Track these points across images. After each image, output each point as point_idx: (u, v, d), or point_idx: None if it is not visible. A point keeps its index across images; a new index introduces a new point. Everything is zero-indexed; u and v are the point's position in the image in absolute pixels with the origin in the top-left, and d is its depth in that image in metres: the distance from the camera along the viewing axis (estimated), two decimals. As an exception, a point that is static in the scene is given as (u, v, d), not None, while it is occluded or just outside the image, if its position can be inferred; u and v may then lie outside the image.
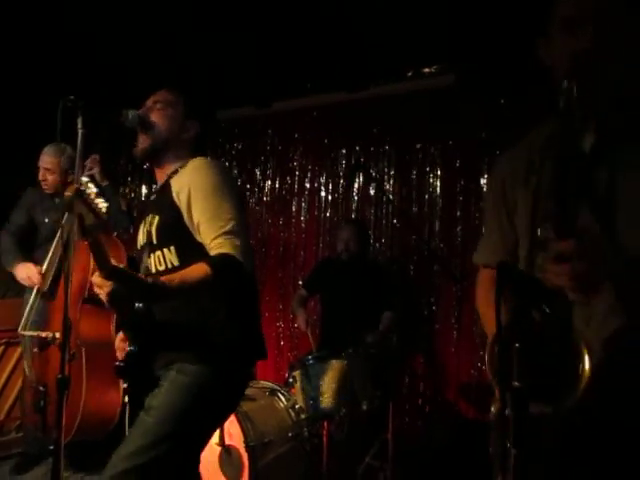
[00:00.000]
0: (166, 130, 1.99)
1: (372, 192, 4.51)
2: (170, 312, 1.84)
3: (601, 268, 1.18)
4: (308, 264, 4.64)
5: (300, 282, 4.50)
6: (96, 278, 1.59)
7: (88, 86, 3.63)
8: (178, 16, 3.76)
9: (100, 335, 3.14)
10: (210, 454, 2.90)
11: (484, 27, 3.51)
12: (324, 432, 3.12)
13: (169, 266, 1.88)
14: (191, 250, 1.82)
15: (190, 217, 1.83)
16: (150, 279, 1.67)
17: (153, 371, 1.87)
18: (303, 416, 3.12)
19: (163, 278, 1.70)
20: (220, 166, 1.96)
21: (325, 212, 4.72)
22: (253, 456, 2.87)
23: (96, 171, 3.28)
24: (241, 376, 1.96)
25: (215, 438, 2.89)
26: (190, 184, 1.85)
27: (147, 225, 1.96)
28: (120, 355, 1.89)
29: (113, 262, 1.57)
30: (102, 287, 1.59)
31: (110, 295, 1.59)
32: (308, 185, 4.81)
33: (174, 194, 1.87)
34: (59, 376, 1.77)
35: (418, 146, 4.30)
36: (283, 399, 3.22)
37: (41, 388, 3.03)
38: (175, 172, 1.97)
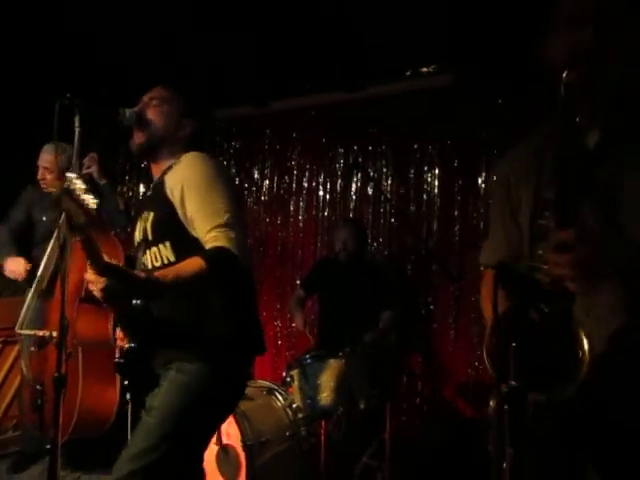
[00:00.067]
0: (162, 127, 1.98)
1: (370, 191, 4.51)
2: (168, 308, 1.83)
3: (601, 257, 1.19)
4: (306, 263, 4.64)
5: (298, 282, 4.50)
6: (89, 275, 1.59)
7: (87, 85, 3.63)
8: (176, 15, 3.76)
9: (97, 334, 3.13)
10: (207, 453, 2.87)
11: (482, 27, 3.51)
12: (321, 431, 3.13)
13: (165, 262, 1.87)
14: (187, 245, 1.81)
15: (184, 212, 1.82)
16: (144, 274, 1.67)
17: (153, 368, 1.87)
18: (300, 415, 3.12)
19: (157, 273, 1.71)
20: (213, 160, 1.94)
21: (323, 211, 4.72)
22: (250, 455, 2.87)
23: (94, 169, 3.27)
24: (241, 371, 1.96)
25: (212, 437, 2.89)
26: (183, 179, 1.85)
27: (143, 222, 1.96)
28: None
29: (106, 258, 1.57)
30: (96, 283, 1.59)
31: (104, 291, 1.59)
32: (306, 184, 4.81)
33: (168, 190, 1.87)
34: (56, 375, 1.77)
35: (416, 146, 4.30)
36: (280, 398, 3.22)
37: (38, 387, 3.02)
38: (169, 168, 1.96)
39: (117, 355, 1.85)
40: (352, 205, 4.59)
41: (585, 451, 1.29)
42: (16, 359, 3.58)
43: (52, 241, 3.19)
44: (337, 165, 4.68)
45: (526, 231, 1.42)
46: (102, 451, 3.40)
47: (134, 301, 1.78)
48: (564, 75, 1.23)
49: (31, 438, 3.19)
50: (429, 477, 3.60)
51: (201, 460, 1.97)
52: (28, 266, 3.32)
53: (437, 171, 4.23)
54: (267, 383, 3.37)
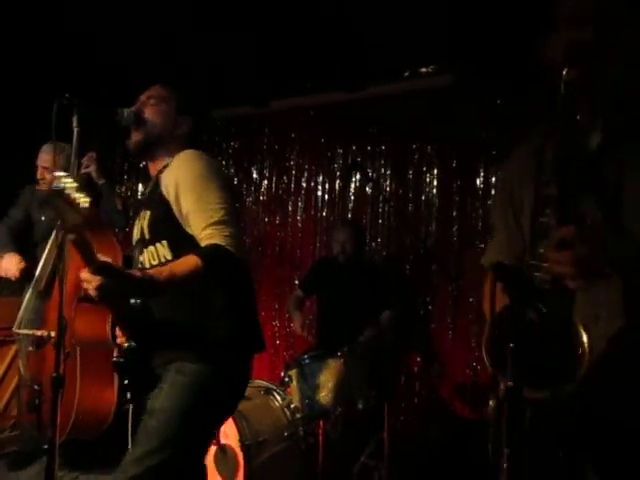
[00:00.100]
0: (159, 126, 1.98)
1: (369, 192, 4.51)
2: (169, 309, 1.83)
3: (602, 254, 1.19)
4: (304, 263, 4.64)
5: (296, 282, 4.50)
6: (84, 274, 1.58)
7: (87, 85, 3.63)
8: (176, 15, 3.76)
9: (95, 334, 3.13)
10: (205, 453, 2.90)
11: (481, 27, 3.51)
12: (319, 431, 3.12)
13: (162, 260, 1.87)
14: (184, 243, 1.80)
15: (179, 209, 1.82)
16: (139, 273, 1.67)
17: (152, 368, 1.87)
18: (298, 415, 3.12)
19: (151, 271, 1.70)
20: (207, 157, 1.93)
21: (322, 211, 4.72)
22: (248, 455, 2.87)
23: (93, 169, 3.27)
24: (241, 371, 1.95)
25: (214, 438, 2.89)
26: (177, 177, 1.84)
27: (140, 221, 1.96)
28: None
29: (100, 257, 1.56)
30: (90, 282, 1.58)
31: (99, 290, 1.58)
32: (305, 184, 4.81)
33: (163, 188, 1.87)
34: (54, 374, 1.76)
35: (415, 146, 4.30)
36: (278, 398, 3.22)
37: (36, 387, 3.02)
38: (165, 167, 1.96)
39: (116, 354, 1.84)
40: (351, 205, 4.59)
41: (584, 451, 1.29)
42: (14, 359, 3.57)
43: (50, 241, 3.18)
44: (336, 165, 4.68)
45: (528, 232, 1.42)
46: (100, 451, 3.40)
47: (133, 300, 1.78)
48: (564, 73, 1.22)
49: (29, 438, 3.19)
50: (427, 477, 3.60)
51: (203, 459, 1.97)
52: (22, 264, 3.31)
53: (436, 171, 4.22)
54: (265, 383, 3.37)
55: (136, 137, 1.98)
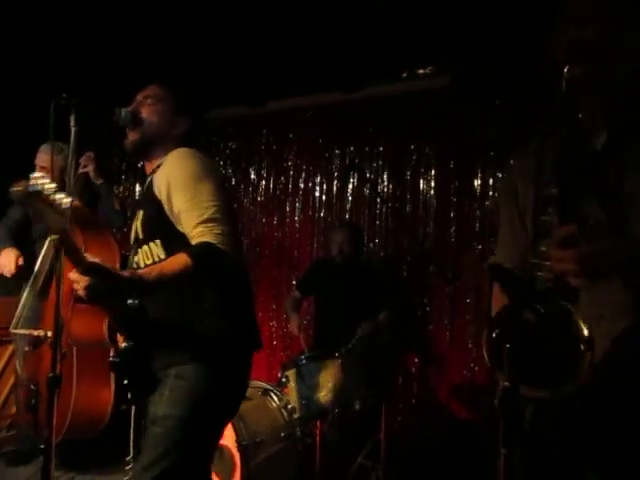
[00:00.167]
0: (156, 125, 1.97)
1: (366, 192, 4.51)
2: (160, 306, 1.82)
3: (605, 252, 1.19)
4: (302, 264, 4.64)
5: (294, 282, 4.50)
6: (72, 274, 1.58)
7: (86, 85, 3.62)
8: (174, 16, 3.76)
9: (92, 334, 3.12)
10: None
11: (479, 28, 3.51)
12: (317, 432, 3.12)
13: (156, 260, 1.85)
14: (177, 242, 1.78)
15: (171, 208, 1.81)
16: (127, 273, 1.66)
17: (151, 370, 1.85)
18: (296, 416, 3.12)
19: (141, 271, 1.70)
20: (199, 155, 1.91)
21: (319, 212, 4.72)
22: (245, 455, 2.87)
23: (91, 169, 3.26)
24: (240, 371, 1.93)
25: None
26: (169, 175, 1.83)
27: (136, 221, 1.96)
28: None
29: (89, 257, 1.56)
30: (79, 282, 1.58)
31: (87, 290, 1.58)
32: (302, 185, 4.81)
33: (155, 187, 1.86)
34: (50, 375, 1.76)
35: (412, 147, 4.30)
36: (275, 399, 3.21)
37: (32, 387, 3.01)
38: (159, 166, 1.94)
39: (112, 354, 1.84)
40: (348, 206, 4.59)
41: (585, 451, 1.29)
42: (10, 358, 3.57)
43: (47, 241, 3.18)
44: (333, 166, 4.68)
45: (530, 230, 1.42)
46: (97, 451, 3.40)
47: (130, 301, 1.77)
48: (565, 71, 1.22)
49: (26, 438, 3.18)
50: (424, 477, 3.60)
51: (210, 461, 1.96)
52: (20, 260, 3.30)
53: (434, 172, 4.23)
54: (262, 383, 3.36)
55: (133, 137, 1.97)
